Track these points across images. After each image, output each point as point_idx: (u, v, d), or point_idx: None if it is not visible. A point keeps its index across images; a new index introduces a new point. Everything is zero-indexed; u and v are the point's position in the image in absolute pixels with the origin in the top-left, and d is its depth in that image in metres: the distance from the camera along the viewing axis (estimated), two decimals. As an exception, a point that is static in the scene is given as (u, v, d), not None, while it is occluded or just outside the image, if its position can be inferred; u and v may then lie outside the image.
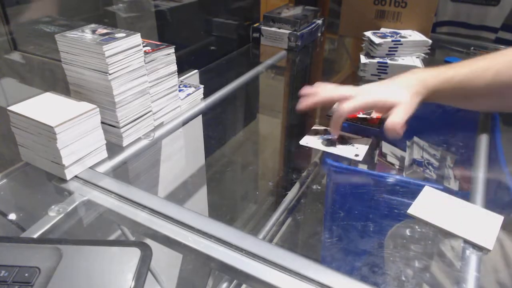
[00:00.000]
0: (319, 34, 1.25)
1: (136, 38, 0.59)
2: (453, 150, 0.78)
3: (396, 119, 0.61)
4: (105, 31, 0.60)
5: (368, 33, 0.99)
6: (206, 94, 0.81)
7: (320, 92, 0.69)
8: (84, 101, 0.56)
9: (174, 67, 0.69)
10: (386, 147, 0.79)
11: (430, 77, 0.67)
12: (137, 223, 0.48)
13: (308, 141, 0.71)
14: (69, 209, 0.50)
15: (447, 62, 1.09)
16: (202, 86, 0.79)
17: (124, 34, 0.58)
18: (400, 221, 0.59)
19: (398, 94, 0.65)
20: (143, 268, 0.39)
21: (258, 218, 1.00)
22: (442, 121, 0.89)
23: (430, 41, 0.96)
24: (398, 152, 0.79)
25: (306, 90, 0.70)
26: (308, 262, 0.42)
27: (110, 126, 0.61)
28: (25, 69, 0.85)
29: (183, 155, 0.80)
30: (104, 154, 0.59)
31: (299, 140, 0.71)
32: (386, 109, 0.65)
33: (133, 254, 0.40)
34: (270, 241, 0.72)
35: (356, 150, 0.68)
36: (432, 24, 1.10)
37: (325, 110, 0.84)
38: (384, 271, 0.56)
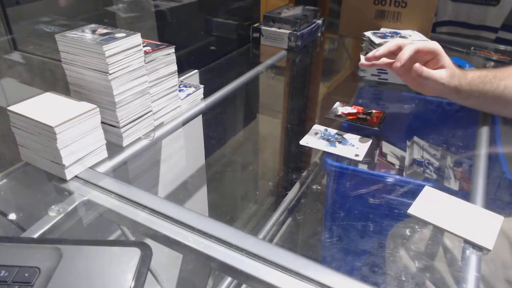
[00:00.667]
0: (319, 34, 1.25)
1: (136, 38, 0.59)
2: (453, 150, 0.78)
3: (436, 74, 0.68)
4: (105, 31, 0.60)
5: (368, 33, 0.99)
6: (206, 94, 0.81)
7: (381, 48, 0.71)
8: (84, 101, 0.56)
9: (174, 67, 0.69)
10: (386, 147, 0.79)
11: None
12: (137, 223, 0.48)
13: (308, 141, 0.71)
14: (69, 209, 0.50)
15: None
16: (202, 86, 0.79)
17: (124, 34, 0.58)
18: (400, 221, 0.59)
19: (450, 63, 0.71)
20: (143, 268, 0.39)
21: (258, 218, 0.99)
22: (442, 121, 0.89)
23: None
24: (398, 152, 0.79)
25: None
26: (308, 262, 0.42)
27: (110, 126, 0.61)
28: (25, 69, 0.85)
29: (183, 155, 0.80)
30: (104, 154, 0.59)
31: (299, 140, 0.71)
32: (433, 58, 0.69)
33: (133, 254, 0.40)
34: (270, 241, 0.72)
35: (356, 150, 0.68)
36: (432, 24, 1.10)
37: (325, 110, 0.84)
38: (384, 271, 0.56)
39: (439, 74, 0.68)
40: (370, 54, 0.69)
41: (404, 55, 0.66)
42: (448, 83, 0.68)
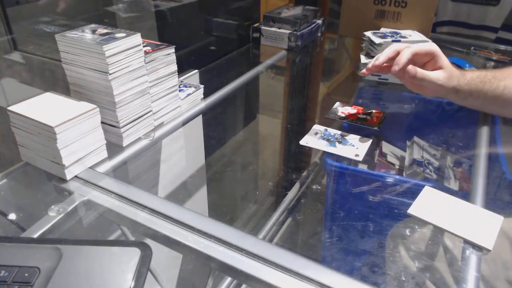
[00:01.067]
0: (319, 34, 1.25)
1: (136, 38, 0.59)
2: (453, 150, 0.78)
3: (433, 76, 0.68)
4: (105, 31, 0.60)
5: (368, 33, 0.99)
6: (206, 94, 0.81)
7: (380, 56, 0.71)
8: (84, 101, 0.56)
9: (174, 67, 0.69)
10: (386, 147, 0.79)
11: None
12: (137, 223, 0.48)
13: (308, 141, 0.71)
14: (69, 209, 0.50)
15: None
16: (202, 86, 0.79)
17: (124, 34, 0.58)
18: (400, 221, 0.59)
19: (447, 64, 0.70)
20: (143, 268, 0.39)
21: (258, 218, 0.99)
22: (442, 121, 0.89)
23: (430, 41, 0.96)
24: (398, 152, 0.79)
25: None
26: (308, 262, 0.42)
27: (110, 126, 0.61)
28: (25, 69, 0.85)
29: (183, 155, 0.80)
30: (104, 154, 0.59)
31: (299, 140, 0.71)
32: (431, 59, 0.69)
33: (133, 254, 0.40)
34: (270, 241, 0.72)
35: (356, 150, 0.68)
36: (432, 24, 1.10)
37: (325, 110, 0.84)
38: (384, 271, 0.56)
39: (436, 75, 0.68)
40: (370, 65, 0.70)
41: (402, 59, 0.67)
42: (446, 84, 0.68)
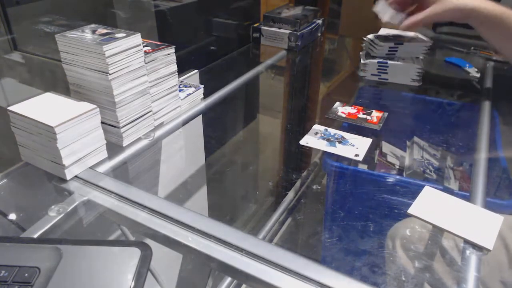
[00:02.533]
0: (319, 34, 1.25)
1: (136, 38, 0.59)
2: (453, 150, 0.78)
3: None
4: (105, 31, 0.60)
5: (370, 36, 0.99)
6: (206, 94, 0.81)
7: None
8: (84, 101, 0.56)
9: (174, 67, 0.69)
10: (386, 147, 0.79)
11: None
12: (137, 223, 0.48)
13: (308, 141, 0.71)
14: (69, 209, 0.50)
15: (447, 62, 1.09)
16: (202, 86, 0.79)
17: (124, 34, 0.58)
18: (400, 221, 0.59)
19: None
20: (143, 268, 0.39)
21: (258, 218, 0.99)
22: (442, 121, 0.89)
23: (431, 41, 0.96)
24: (398, 152, 0.79)
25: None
26: (308, 262, 0.42)
27: (110, 126, 0.61)
28: (25, 69, 0.85)
29: (183, 155, 0.80)
30: (104, 154, 0.59)
31: (299, 140, 0.71)
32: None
33: (133, 254, 0.40)
34: (270, 241, 0.72)
35: (356, 150, 0.68)
36: (432, 24, 1.10)
37: (325, 110, 0.84)
38: (384, 271, 0.56)
39: (428, 11, 0.73)
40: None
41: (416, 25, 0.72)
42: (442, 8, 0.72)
